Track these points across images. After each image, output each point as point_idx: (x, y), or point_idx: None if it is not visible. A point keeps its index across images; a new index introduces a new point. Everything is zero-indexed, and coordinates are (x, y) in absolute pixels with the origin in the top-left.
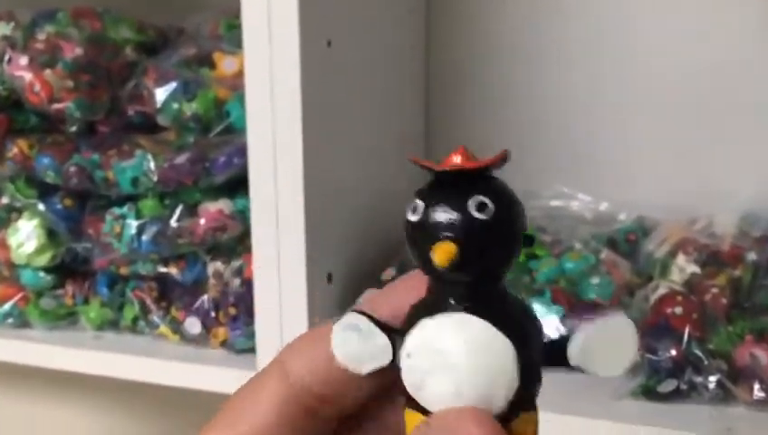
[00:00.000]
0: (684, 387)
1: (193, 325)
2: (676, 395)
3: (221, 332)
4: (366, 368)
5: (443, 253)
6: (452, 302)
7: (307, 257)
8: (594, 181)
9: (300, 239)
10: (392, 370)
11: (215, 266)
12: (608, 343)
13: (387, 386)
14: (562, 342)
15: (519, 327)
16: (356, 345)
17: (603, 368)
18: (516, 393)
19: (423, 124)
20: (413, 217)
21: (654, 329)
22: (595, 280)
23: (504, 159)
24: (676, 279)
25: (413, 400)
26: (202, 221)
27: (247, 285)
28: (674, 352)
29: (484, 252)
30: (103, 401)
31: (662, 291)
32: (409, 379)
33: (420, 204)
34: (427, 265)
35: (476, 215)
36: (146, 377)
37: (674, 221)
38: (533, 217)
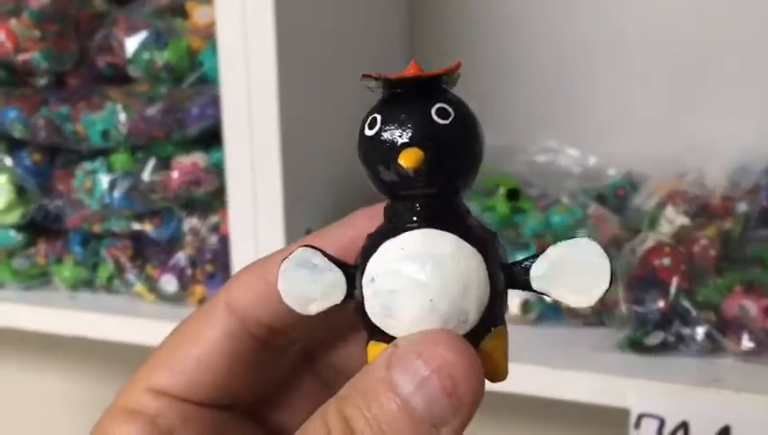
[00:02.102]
0: (671, 339)
1: (169, 283)
2: (663, 347)
3: (198, 289)
4: (314, 308)
5: (410, 157)
6: (414, 219)
7: (285, 212)
8: (582, 135)
9: (277, 193)
10: (344, 308)
11: (190, 223)
12: (575, 267)
13: (339, 324)
14: (526, 263)
15: (483, 240)
16: (306, 283)
17: (570, 295)
18: (488, 307)
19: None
20: (371, 132)
21: (641, 281)
22: (582, 233)
23: (457, 68)
24: (664, 231)
25: (378, 331)
26: (175, 175)
27: (224, 241)
28: (661, 304)
29: (448, 159)
30: (79, 363)
31: (650, 243)
32: (375, 307)
33: (378, 117)
34: (387, 180)
35: (439, 120)
36: (122, 337)
37: (664, 174)
38: (520, 172)
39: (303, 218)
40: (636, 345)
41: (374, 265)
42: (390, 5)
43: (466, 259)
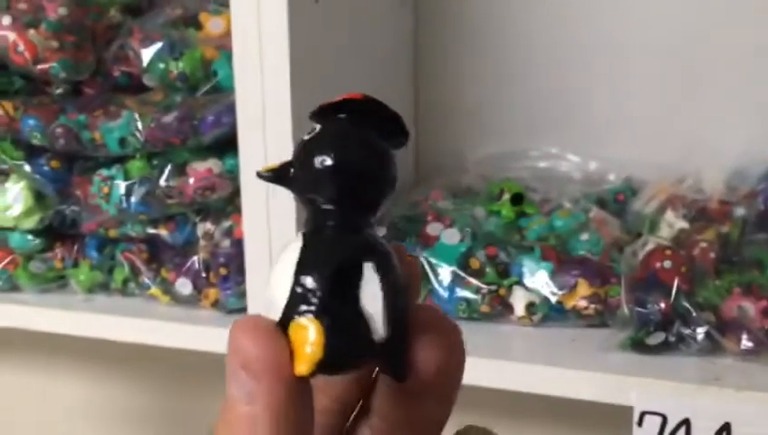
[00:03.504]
0: (672, 339)
1: (184, 286)
2: (664, 347)
3: (212, 292)
4: None
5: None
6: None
7: (297, 217)
8: (583, 142)
9: (289, 198)
10: None
11: (204, 227)
12: (366, 291)
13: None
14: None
15: (321, 241)
16: None
17: (371, 320)
18: (291, 297)
19: (412, 81)
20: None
21: (643, 283)
22: (584, 237)
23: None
24: (664, 235)
25: None
26: (191, 181)
27: (237, 245)
28: (662, 305)
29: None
30: (94, 365)
31: (651, 246)
32: None
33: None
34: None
35: (305, 137)
36: (137, 338)
37: (662, 179)
38: (523, 177)
39: None
40: (638, 345)
41: None
42: (397, 18)
43: (289, 252)
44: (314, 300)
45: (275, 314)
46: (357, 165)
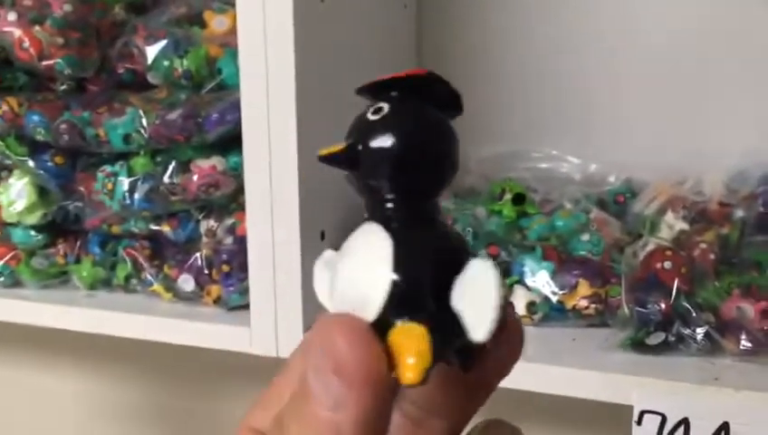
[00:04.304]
0: (672, 339)
1: (186, 283)
2: (664, 347)
3: (214, 289)
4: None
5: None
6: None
7: (300, 215)
8: (583, 144)
9: (293, 196)
10: None
11: (207, 224)
12: (473, 289)
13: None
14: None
15: (410, 234)
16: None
17: (471, 320)
18: (391, 297)
19: None
20: None
21: (643, 283)
22: (585, 237)
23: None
24: (665, 236)
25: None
26: (195, 178)
27: (240, 242)
28: (662, 306)
29: (369, 149)
30: (96, 361)
31: (651, 247)
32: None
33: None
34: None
35: (371, 117)
36: (139, 334)
37: (663, 181)
38: (524, 178)
39: (318, 220)
40: (638, 345)
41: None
42: (400, 19)
43: (375, 246)
44: (420, 301)
45: (366, 314)
46: (437, 153)
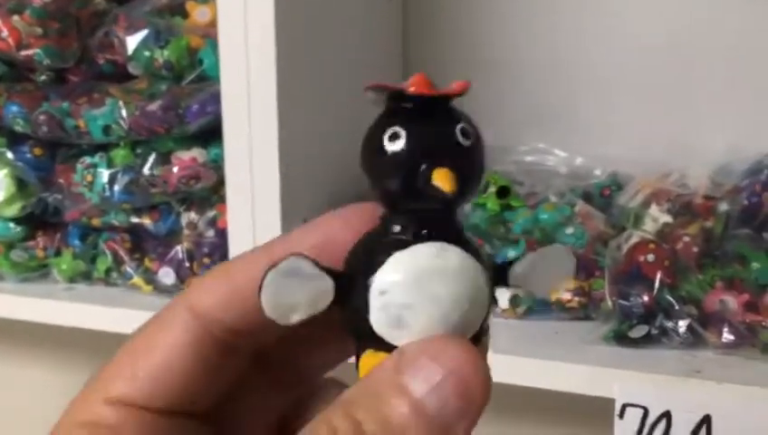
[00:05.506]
0: (655, 332)
1: (167, 276)
2: (647, 340)
3: None
4: (297, 317)
5: (447, 180)
6: (424, 232)
7: (281, 207)
8: (569, 137)
9: (274, 188)
10: (326, 315)
11: (188, 217)
12: (547, 265)
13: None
14: (504, 265)
15: (479, 253)
16: (292, 292)
17: (539, 287)
18: (485, 316)
19: (400, 69)
20: (394, 146)
21: (626, 276)
22: (569, 230)
23: (467, 88)
24: (648, 229)
25: (378, 340)
26: (175, 170)
27: (221, 235)
28: (645, 298)
29: (472, 180)
30: (75, 354)
31: (635, 239)
32: (383, 317)
33: (402, 132)
34: (401, 194)
35: (464, 142)
36: (119, 328)
37: (648, 174)
38: (510, 171)
39: (300, 213)
40: (621, 338)
41: (386, 276)
42: (385, 11)
43: (474, 274)
44: (489, 315)
45: (463, 332)
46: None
